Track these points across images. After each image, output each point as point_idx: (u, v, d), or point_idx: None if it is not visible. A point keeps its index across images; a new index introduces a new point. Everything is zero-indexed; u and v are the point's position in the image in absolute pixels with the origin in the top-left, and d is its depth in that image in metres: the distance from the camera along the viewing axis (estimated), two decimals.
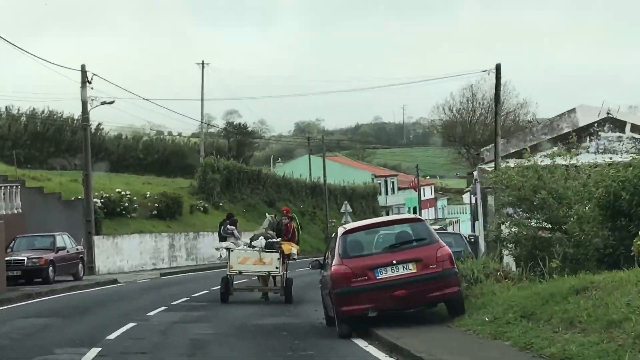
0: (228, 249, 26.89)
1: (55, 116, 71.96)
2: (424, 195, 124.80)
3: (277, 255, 26.20)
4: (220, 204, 67.17)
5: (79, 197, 45.78)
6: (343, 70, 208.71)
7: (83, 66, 44.84)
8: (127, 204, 51.55)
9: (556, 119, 45.96)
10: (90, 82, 45.26)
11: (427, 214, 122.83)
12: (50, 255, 37.11)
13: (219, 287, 27.36)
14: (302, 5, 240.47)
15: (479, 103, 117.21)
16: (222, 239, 28.34)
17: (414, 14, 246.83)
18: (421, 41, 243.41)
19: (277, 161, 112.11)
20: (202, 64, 76.03)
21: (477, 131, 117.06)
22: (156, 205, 55.20)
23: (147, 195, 55.29)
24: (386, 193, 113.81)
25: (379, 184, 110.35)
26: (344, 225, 19.84)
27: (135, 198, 52.99)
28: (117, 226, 50.32)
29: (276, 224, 27.82)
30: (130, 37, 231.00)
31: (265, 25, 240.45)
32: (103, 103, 46.27)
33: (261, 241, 26.33)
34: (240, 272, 26.67)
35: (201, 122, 71.14)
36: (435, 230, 22.75)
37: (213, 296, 28.99)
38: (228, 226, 28.29)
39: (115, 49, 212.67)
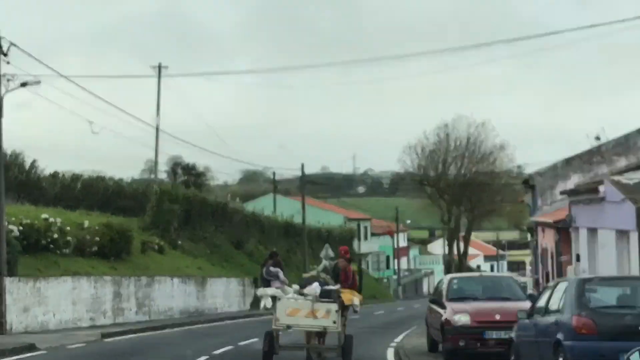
0: (274, 297, 21.83)
1: None
2: (401, 242, 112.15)
3: (335, 306, 21.44)
4: (179, 242, 52.75)
5: None
6: (293, 121, 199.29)
7: None
8: (56, 236, 37.06)
9: (633, 135, 40.03)
10: (5, 55, 31.22)
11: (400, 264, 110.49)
12: None
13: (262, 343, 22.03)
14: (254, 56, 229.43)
15: (454, 143, 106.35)
16: (265, 283, 22.98)
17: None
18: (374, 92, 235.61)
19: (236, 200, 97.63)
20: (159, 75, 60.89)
21: (451, 175, 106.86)
22: (97, 239, 40.71)
23: (85, 226, 40.70)
24: (358, 239, 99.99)
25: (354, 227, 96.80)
26: None
27: (68, 228, 38.48)
28: (41, 265, 35.78)
29: (332, 267, 23.34)
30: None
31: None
32: (24, 85, 32.04)
33: (315, 288, 21.52)
34: (288, 327, 21.83)
35: (157, 131, 56.44)
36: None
37: None
38: (271, 267, 23.23)
39: None
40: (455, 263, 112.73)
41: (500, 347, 20.76)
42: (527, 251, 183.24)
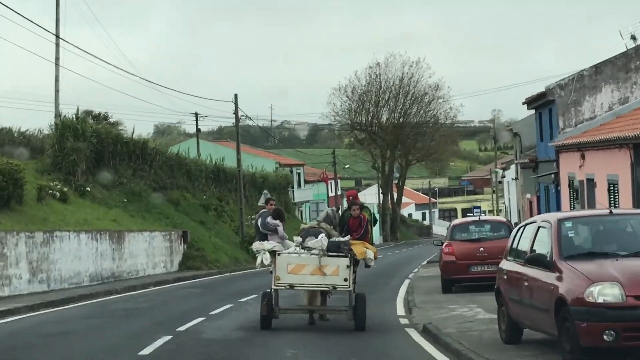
0: (273, 252, 18.60)
1: None
2: (332, 192, 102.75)
3: (346, 261, 18.45)
4: (88, 189, 41.94)
5: None
6: (209, 74, 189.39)
7: None
8: None
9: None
10: None
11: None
12: None
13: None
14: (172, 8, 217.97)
15: (387, 83, 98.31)
16: (262, 237, 19.57)
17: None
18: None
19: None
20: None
21: (384, 118, 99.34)
22: None
23: None
24: (291, 187, 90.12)
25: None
26: None
27: None
28: None
29: (338, 217, 20.19)
30: None
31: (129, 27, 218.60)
32: None
33: (322, 240, 18.46)
34: (291, 286, 18.59)
35: (56, 39, 44.78)
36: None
37: None
38: (269, 219, 19.71)
39: None
40: (389, 212, 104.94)
41: None
42: (458, 198, 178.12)
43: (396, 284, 33.77)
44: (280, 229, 19.79)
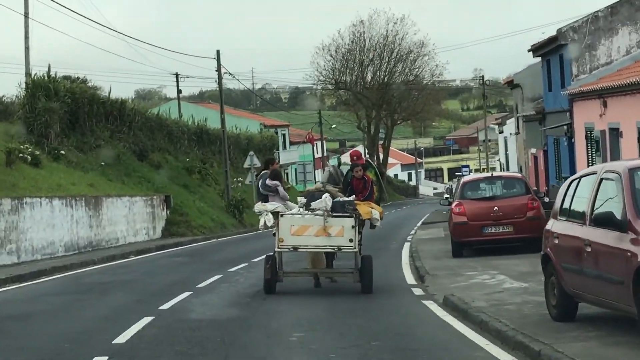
0: (276, 213, 17.86)
1: None
2: (317, 153, 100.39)
3: (351, 221, 17.77)
4: (62, 152, 39.13)
5: None
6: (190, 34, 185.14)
7: None
8: None
9: None
10: None
11: (319, 175, 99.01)
12: None
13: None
14: None
15: (371, 41, 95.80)
16: (263, 199, 18.85)
17: None
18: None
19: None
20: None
21: (368, 75, 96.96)
22: None
23: None
24: (277, 148, 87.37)
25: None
26: None
27: None
28: None
29: (341, 176, 19.46)
30: None
31: None
32: None
33: (326, 199, 17.84)
34: (295, 248, 18.00)
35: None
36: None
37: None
38: (269, 180, 19.00)
39: None
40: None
41: None
42: (444, 157, 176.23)
43: (396, 248, 31.32)
44: (281, 189, 19.05)
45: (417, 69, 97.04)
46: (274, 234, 18.19)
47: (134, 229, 37.58)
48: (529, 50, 34.41)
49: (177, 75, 76.90)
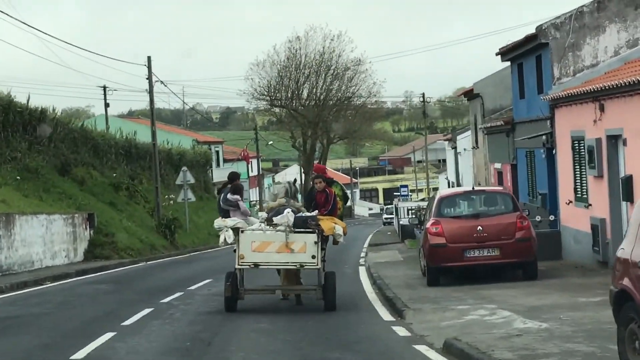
0: (237, 229, 17.57)
1: None
2: (252, 171, 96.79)
3: (313, 237, 17.47)
4: None
5: None
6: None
7: None
8: None
9: None
10: None
11: (254, 194, 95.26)
12: None
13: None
14: None
15: (307, 58, 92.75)
16: (224, 213, 18.63)
17: None
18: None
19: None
20: None
21: (304, 92, 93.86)
22: None
23: None
24: (210, 166, 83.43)
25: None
26: None
27: None
28: None
29: (295, 192, 19.20)
30: None
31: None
32: None
33: (288, 215, 17.54)
34: (256, 265, 17.63)
35: None
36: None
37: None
38: (230, 195, 18.69)
39: None
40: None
41: None
42: (379, 177, 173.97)
43: (352, 274, 27.63)
44: (242, 204, 18.81)
45: (353, 87, 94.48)
46: (234, 251, 17.76)
47: (51, 251, 33.19)
48: (497, 54, 30.91)
49: (104, 88, 72.88)
